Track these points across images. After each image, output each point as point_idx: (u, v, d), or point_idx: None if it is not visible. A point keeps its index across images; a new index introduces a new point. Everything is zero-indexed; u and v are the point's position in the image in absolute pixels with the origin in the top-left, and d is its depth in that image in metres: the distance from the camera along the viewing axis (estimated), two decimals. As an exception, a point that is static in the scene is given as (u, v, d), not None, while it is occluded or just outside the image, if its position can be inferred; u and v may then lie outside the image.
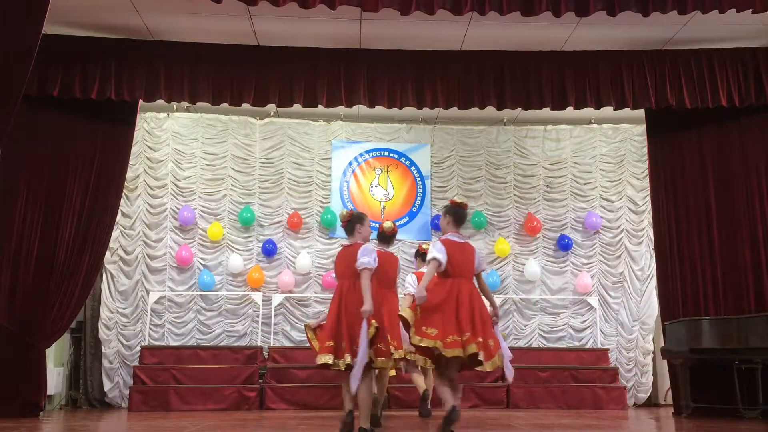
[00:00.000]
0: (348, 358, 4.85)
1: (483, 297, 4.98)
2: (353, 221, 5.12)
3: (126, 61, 7.55)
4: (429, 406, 6.20)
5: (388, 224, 5.68)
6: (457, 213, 5.07)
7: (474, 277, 4.98)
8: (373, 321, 4.83)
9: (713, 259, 7.88)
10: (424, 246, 6.55)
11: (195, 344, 9.42)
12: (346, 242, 5.28)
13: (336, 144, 10.25)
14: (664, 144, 8.33)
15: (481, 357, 4.63)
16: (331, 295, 5.30)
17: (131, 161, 8.70)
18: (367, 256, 4.87)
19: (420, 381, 6.15)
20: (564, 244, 10.02)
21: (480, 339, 4.66)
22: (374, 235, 5.78)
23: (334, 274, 5.40)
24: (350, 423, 4.86)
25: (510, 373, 4.90)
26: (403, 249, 10.07)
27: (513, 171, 10.30)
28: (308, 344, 5.94)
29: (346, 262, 5.03)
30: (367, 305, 4.74)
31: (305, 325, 6.85)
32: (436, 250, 4.84)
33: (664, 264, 8.17)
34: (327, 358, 4.89)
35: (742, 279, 7.70)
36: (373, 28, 7.32)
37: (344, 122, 10.23)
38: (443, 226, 5.14)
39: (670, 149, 8.29)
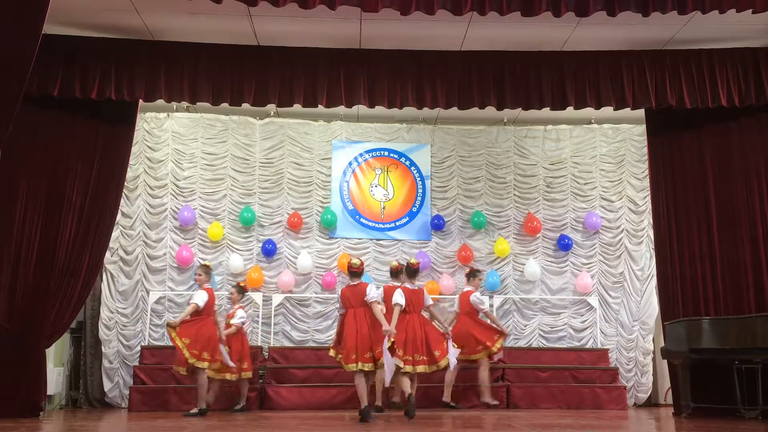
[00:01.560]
0: (360, 365, 6.47)
1: (435, 321, 7.44)
2: (363, 271, 6.90)
3: (126, 61, 7.55)
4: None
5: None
6: (409, 270, 7.23)
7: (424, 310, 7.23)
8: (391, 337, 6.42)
9: (713, 259, 7.88)
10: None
11: (195, 344, 9.40)
12: (351, 283, 6.75)
13: (336, 144, 10.25)
14: (664, 144, 8.32)
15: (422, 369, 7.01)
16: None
17: (131, 161, 8.70)
18: (376, 291, 6.67)
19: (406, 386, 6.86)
20: (564, 244, 10.03)
21: (424, 357, 6.95)
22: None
23: (339, 304, 6.83)
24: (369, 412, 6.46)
25: (452, 365, 7.15)
26: (403, 249, 10.09)
27: (513, 171, 10.30)
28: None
29: (357, 296, 6.61)
30: (385, 326, 6.35)
31: (167, 323, 7.58)
32: (399, 297, 6.86)
33: (664, 264, 8.16)
34: (367, 366, 6.52)
35: (742, 279, 7.69)
36: (373, 28, 7.32)
37: (344, 122, 10.23)
38: (402, 278, 7.27)
39: (670, 149, 8.28)
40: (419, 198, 10.23)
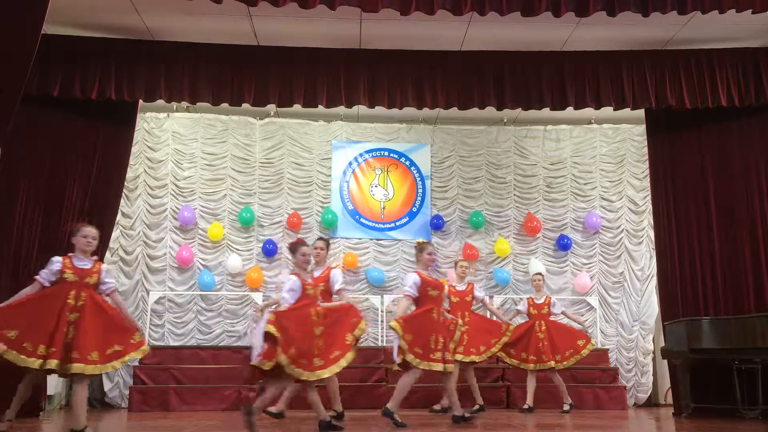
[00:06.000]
0: None
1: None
2: None
3: (126, 61, 7.55)
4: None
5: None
6: None
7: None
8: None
9: (713, 259, 7.88)
10: None
11: (195, 344, 9.42)
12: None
13: (336, 144, 10.25)
14: (664, 144, 8.33)
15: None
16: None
17: (131, 161, 8.70)
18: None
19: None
20: (564, 244, 10.03)
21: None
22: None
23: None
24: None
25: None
26: (403, 249, 10.08)
27: (513, 171, 10.31)
28: None
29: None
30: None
31: None
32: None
33: (664, 264, 8.17)
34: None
35: (742, 279, 7.69)
36: (373, 28, 7.32)
37: (344, 122, 10.24)
38: None
39: (670, 149, 8.29)
40: (419, 198, 10.24)
